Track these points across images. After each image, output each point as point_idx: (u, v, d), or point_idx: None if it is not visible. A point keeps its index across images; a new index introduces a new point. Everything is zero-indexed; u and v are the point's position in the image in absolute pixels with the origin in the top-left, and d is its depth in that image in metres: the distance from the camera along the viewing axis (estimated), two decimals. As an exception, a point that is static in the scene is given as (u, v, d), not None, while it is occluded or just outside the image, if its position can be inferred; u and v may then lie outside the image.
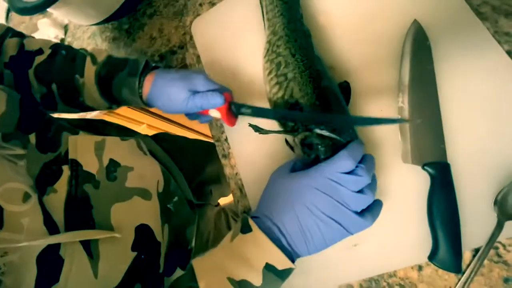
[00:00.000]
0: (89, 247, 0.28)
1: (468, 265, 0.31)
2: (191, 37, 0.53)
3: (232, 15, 0.49)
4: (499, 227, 0.30)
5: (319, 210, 0.27)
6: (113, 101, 0.41)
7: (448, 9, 0.37)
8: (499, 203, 0.30)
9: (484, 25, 0.35)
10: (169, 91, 0.37)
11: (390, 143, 0.36)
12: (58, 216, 0.28)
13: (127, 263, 0.31)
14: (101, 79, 0.39)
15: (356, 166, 0.28)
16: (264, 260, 0.27)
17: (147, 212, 0.35)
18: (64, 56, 0.40)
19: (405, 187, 0.34)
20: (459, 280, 0.31)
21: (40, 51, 0.40)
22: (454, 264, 0.30)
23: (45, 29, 0.68)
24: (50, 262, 0.26)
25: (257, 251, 0.28)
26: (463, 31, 0.36)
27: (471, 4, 0.36)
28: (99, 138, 0.36)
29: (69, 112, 0.44)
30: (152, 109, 0.84)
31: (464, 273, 0.31)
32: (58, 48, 0.41)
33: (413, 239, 0.33)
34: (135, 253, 0.31)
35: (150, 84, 0.38)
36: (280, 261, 0.28)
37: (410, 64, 0.36)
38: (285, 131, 0.35)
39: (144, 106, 0.41)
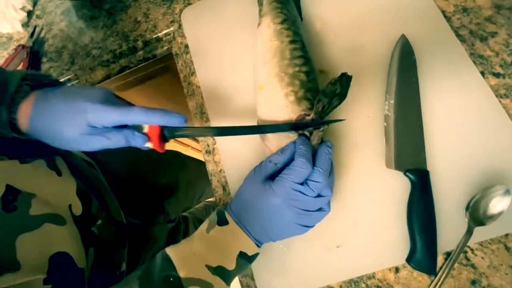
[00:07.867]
0: None
1: (441, 268, 0.32)
2: (180, 26, 0.50)
3: (224, 7, 0.48)
4: (469, 232, 0.32)
5: (286, 220, 0.30)
6: None
7: (432, 28, 0.40)
8: (470, 210, 0.32)
9: (463, 46, 0.38)
10: (59, 126, 0.30)
11: (375, 148, 0.37)
12: None
13: None
14: None
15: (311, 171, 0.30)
16: (238, 249, 0.31)
17: (63, 238, 0.32)
18: None
19: (387, 191, 0.35)
20: (431, 281, 0.32)
21: None
22: (429, 266, 0.32)
23: (10, -2, 0.60)
24: None
25: (233, 241, 0.31)
26: (445, 49, 0.39)
27: (452, 26, 0.39)
28: None
29: None
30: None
31: (436, 275, 0.32)
32: None
33: (393, 242, 0.34)
34: (49, 286, 0.28)
35: (28, 114, 0.30)
36: (251, 249, 0.32)
37: (397, 75, 0.38)
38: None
39: (22, 137, 0.33)
